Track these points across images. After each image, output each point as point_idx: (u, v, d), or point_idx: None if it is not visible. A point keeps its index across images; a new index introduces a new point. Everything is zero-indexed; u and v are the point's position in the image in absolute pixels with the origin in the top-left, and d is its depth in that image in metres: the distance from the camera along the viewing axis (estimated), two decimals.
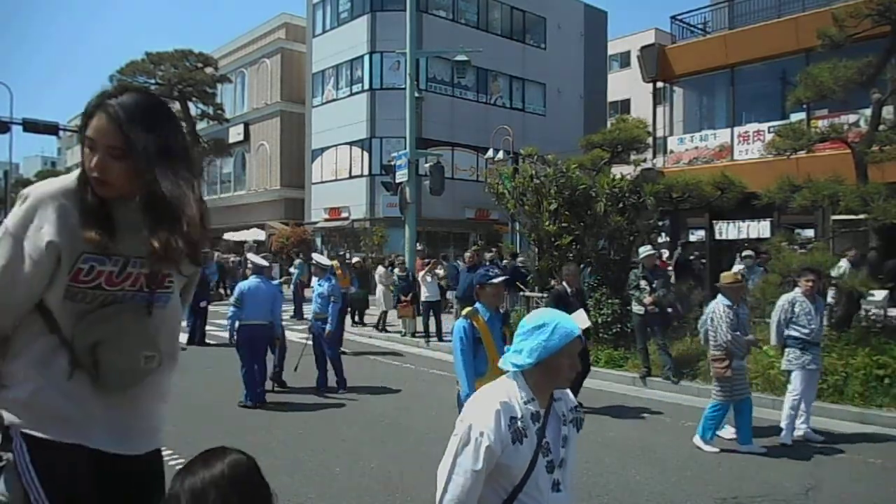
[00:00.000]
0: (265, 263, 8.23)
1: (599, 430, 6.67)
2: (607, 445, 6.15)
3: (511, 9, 29.31)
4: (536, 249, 11.30)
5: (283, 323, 8.96)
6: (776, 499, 4.86)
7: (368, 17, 26.05)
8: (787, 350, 6.41)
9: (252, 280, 7.84)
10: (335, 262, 11.77)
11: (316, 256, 9.97)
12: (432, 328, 12.66)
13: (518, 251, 15.59)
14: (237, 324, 7.62)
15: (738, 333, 6.01)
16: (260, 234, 29.66)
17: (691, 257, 14.85)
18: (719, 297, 6.19)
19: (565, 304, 7.45)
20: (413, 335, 13.16)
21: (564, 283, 7.71)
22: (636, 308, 8.80)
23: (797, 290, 6.51)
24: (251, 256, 8.53)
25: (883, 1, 9.39)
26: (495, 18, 29.04)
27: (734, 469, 5.49)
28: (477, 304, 4.30)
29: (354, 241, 24.83)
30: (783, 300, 6.48)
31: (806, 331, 6.26)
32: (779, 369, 7.82)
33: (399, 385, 8.93)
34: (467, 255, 13.28)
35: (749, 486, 5.08)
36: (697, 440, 6.02)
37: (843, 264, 9.81)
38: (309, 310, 9.68)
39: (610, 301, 10.14)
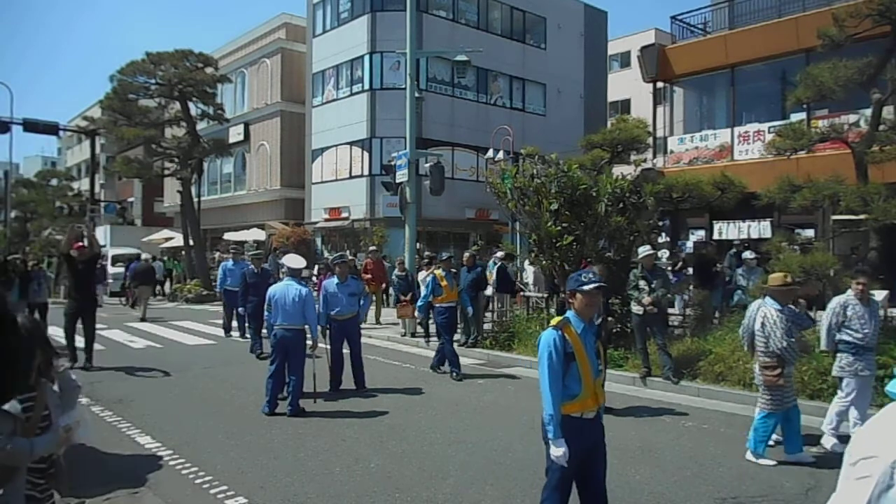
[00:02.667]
0: (300, 266, 7.82)
1: None
2: (607, 445, 6.14)
3: (511, 9, 29.31)
4: (536, 249, 11.29)
5: None
6: (776, 499, 4.86)
7: (368, 17, 26.04)
8: (838, 355, 6.16)
9: (282, 283, 7.55)
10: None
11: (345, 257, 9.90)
12: (432, 329, 12.65)
13: (518, 251, 15.60)
14: (273, 328, 7.38)
15: (793, 340, 5.70)
16: (260, 234, 29.66)
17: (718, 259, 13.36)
18: (767, 300, 5.88)
19: None
20: (412, 335, 13.16)
21: None
22: (635, 308, 8.80)
23: (849, 292, 6.23)
24: (286, 259, 8.06)
25: (883, 1, 9.40)
26: (495, 18, 29.03)
27: (734, 469, 5.49)
28: (568, 314, 3.76)
29: (354, 240, 24.83)
30: (835, 303, 6.23)
31: (859, 335, 6.01)
32: None
33: (399, 385, 8.93)
34: (466, 255, 13.31)
35: (749, 486, 5.08)
36: (750, 456, 5.72)
37: None
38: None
39: (610, 301, 10.13)
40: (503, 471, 5.38)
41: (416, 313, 10.91)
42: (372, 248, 16.86)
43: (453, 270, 10.27)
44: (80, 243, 9.79)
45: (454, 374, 9.41)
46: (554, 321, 3.75)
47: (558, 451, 3.46)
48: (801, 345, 6.05)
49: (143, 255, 21.27)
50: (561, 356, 3.56)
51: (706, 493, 4.94)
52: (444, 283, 9.73)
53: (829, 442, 6.03)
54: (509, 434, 6.49)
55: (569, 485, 3.64)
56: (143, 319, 16.54)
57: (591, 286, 3.71)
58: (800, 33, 15.28)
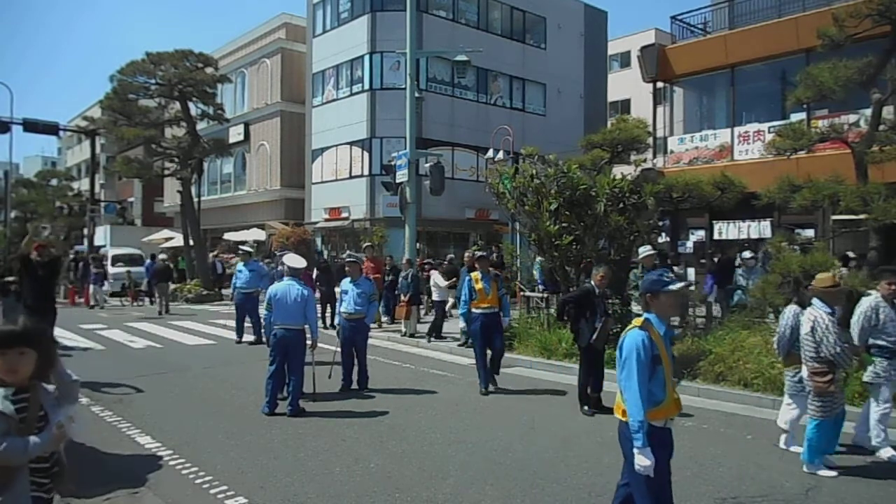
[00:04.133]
0: (300, 266, 7.77)
1: (599, 430, 6.67)
2: (607, 445, 6.14)
3: (511, 9, 29.32)
4: (536, 249, 11.30)
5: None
6: (776, 499, 4.86)
7: (368, 17, 26.05)
8: (874, 360, 5.81)
9: (283, 283, 7.50)
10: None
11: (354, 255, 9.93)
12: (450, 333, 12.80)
13: (518, 251, 15.59)
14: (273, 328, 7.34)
15: (846, 345, 5.44)
16: (260, 234, 29.67)
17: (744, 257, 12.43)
18: (816, 302, 5.54)
19: (589, 303, 7.42)
20: (412, 335, 13.16)
21: (593, 282, 7.55)
22: (636, 308, 8.80)
23: (876, 294, 5.89)
24: (286, 259, 8.00)
25: (883, 1, 9.40)
26: (495, 18, 29.04)
27: (734, 469, 5.49)
28: (648, 315, 3.52)
29: (354, 240, 24.83)
30: (866, 305, 5.86)
31: (893, 339, 5.68)
32: (779, 370, 7.83)
33: (399, 385, 8.93)
34: (466, 255, 13.33)
35: (749, 486, 5.08)
36: (807, 469, 5.39)
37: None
38: None
39: (610, 301, 10.14)
40: (503, 471, 5.38)
41: (461, 322, 9.09)
42: (367, 244, 16.68)
43: (494, 271, 8.92)
44: (42, 243, 9.06)
45: (481, 388, 8.42)
46: (637, 321, 3.52)
47: (646, 460, 3.26)
48: (853, 349, 5.70)
49: (160, 256, 22.47)
50: (649, 359, 3.35)
51: (706, 493, 4.94)
52: (478, 285, 8.50)
53: (886, 453, 5.69)
54: (509, 434, 6.49)
55: (660, 494, 3.40)
56: (160, 314, 17.86)
57: (679, 285, 3.53)
58: (800, 33, 15.28)
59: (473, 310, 8.50)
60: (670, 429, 3.48)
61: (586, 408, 7.43)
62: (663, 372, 3.39)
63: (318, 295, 12.78)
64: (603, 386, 7.55)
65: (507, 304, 8.88)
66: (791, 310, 5.94)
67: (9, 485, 2.37)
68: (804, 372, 5.59)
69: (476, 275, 8.60)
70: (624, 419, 3.44)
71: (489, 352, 8.59)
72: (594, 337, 7.32)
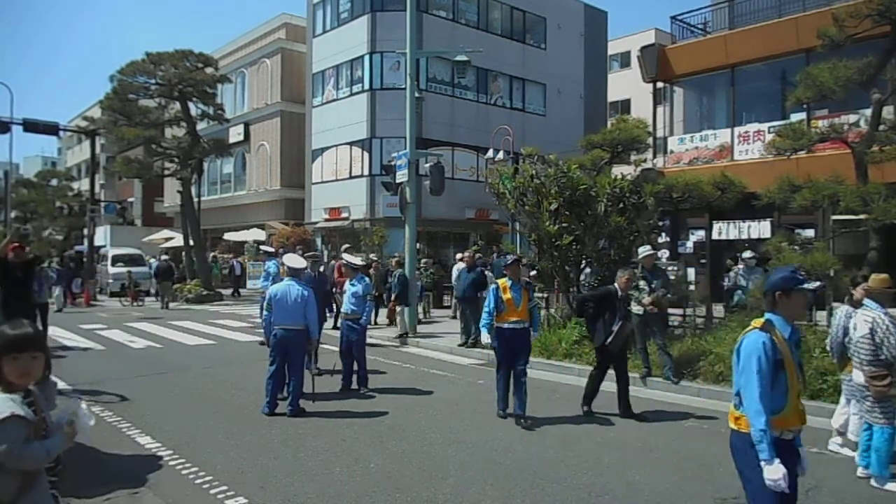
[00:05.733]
0: (301, 266, 7.75)
1: (599, 430, 6.68)
2: (607, 445, 6.15)
3: (511, 9, 29.31)
4: (536, 249, 11.30)
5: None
6: None
7: (368, 17, 26.05)
8: None
9: (283, 283, 7.47)
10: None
11: (347, 257, 9.81)
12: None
13: (518, 251, 15.60)
14: (273, 328, 7.30)
15: None
16: (260, 234, 29.67)
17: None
18: (869, 303, 5.33)
19: (610, 304, 7.26)
20: (407, 335, 13.09)
21: (616, 285, 7.42)
22: (636, 308, 8.79)
23: None
24: (286, 258, 7.98)
25: (883, 1, 9.40)
26: (495, 18, 29.04)
27: (734, 469, 5.47)
28: (772, 316, 3.18)
29: (355, 241, 24.84)
30: None
31: None
32: None
33: (399, 385, 8.93)
34: (466, 254, 13.31)
35: None
36: (875, 483, 5.11)
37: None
38: None
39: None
40: (503, 471, 5.38)
41: (484, 338, 7.40)
42: (346, 246, 16.33)
43: (525, 280, 7.58)
44: (16, 244, 8.61)
45: (498, 410, 7.22)
46: (757, 322, 3.19)
47: (777, 473, 2.93)
48: None
49: (163, 256, 24.01)
50: (771, 363, 3.03)
51: (706, 493, 4.94)
52: (506, 294, 7.06)
53: None
54: (509, 434, 6.49)
55: None
56: (164, 307, 19.98)
57: (815, 284, 3.20)
58: (800, 33, 15.28)
59: (499, 324, 7.09)
60: (792, 440, 3.15)
61: (586, 408, 7.34)
62: (786, 379, 3.07)
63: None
64: (629, 391, 7.41)
65: (537, 318, 7.67)
66: (844, 310, 5.71)
67: (34, 486, 2.40)
68: (858, 377, 5.31)
69: (504, 282, 7.19)
70: (737, 428, 3.16)
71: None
72: (609, 340, 7.18)
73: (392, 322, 14.21)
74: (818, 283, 3.21)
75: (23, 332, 2.44)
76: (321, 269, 11.53)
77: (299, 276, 7.61)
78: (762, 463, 2.96)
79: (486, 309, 7.21)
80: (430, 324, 15.62)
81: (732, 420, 3.20)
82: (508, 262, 7.51)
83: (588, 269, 11.27)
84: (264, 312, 7.61)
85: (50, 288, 15.44)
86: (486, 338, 7.27)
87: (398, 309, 13.37)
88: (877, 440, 5.12)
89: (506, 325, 7.09)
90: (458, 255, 18.35)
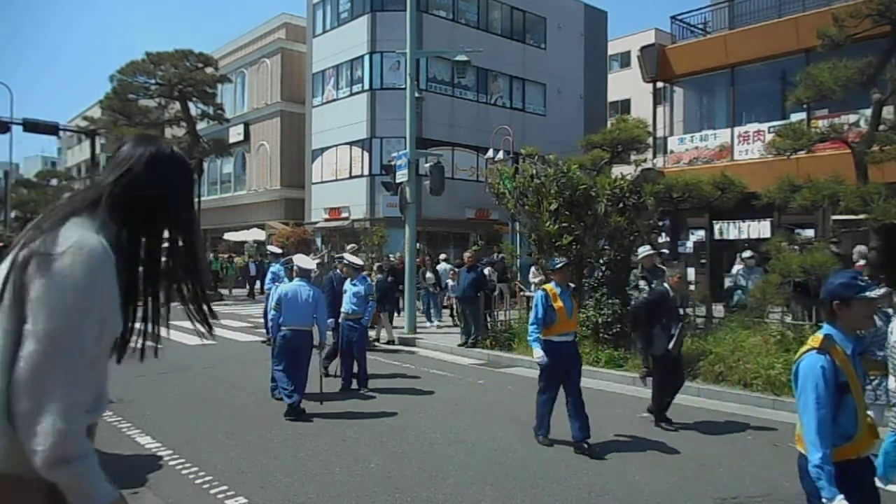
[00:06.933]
0: (310, 267, 7.73)
1: (599, 430, 6.67)
2: (607, 445, 6.15)
3: (511, 9, 29.32)
4: (536, 249, 11.29)
5: None
6: (776, 499, 4.86)
7: (368, 17, 26.05)
8: None
9: (293, 284, 7.46)
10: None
11: (348, 257, 9.81)
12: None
13: (518, 251, 15.60)
14: (280, 329, 7.29)
15: None
16: (260, 234, 29.67)
17: None
18: None
19: (665, 307, 6.79)
20: (392, 343, 12.91)
21: (667, 286, 6.94)
22: None
23: None
24: (296, 259, 7.93)
25: (883, 1, 9.40)
26: (495, 18, 29.05)
27: (734, 469, 5.49)
28: (830, 330, 2.81)
29: (354, 241, 24.83)
30: None
31: None
32: (779, 370, 7.84)
33: (399, 385, 8.93)
34: (466, 255, 13.30)
35: (749, 486, 5.08)
36: (879, 483, 4.71)
37: None
38: None
39: (610, 301, 10.15)
40: (503, 471, 5.38)
41: (535, 355, 6.24)
42: (351, 246, 16.24)
43: (573, 286, 6.72)
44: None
45: (540, 436, 6.23)
46: (814, 341, 2.81)
47: None
48: None
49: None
50: (832, 388, 2.69)
51: (706, 493, 4.94)
52: (557, 303, 6.17)
53: None
54: (509, 434, 6.49)
55: None
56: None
57: (880, 291, 2.84)
58: (800, 33, 15.28)
59: (547, 336, 6.18)
60: (869, 458, 2.89)
61: (664, 424, 6.79)
62: (853, 401, 2.73)
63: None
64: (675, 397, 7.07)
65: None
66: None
67: None
68: (892, 383, 5.05)
69: (552, 288, 6.28)
70: (802, 450, 2.88)
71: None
72: (671, 344, 6.75)
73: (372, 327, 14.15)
74: (884, 290, 2.82)
75: None
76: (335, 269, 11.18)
77: (308, 278, 7.61)
78: (824, 500, 2.65)
79: (532, 321, 6.26)
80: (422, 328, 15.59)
81: (800, 444, 2.90)
82: (558, 265, 6.44)
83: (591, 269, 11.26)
84: (272, 312, 7.61)
85: None
86: (538, 354, 6.16)
87: (382, 316, 12.91)
88: (888, 443, 4.95)
89: (556, 338, 6.17)
90: (443, 256, 18.33)
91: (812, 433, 2.69)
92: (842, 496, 2.61)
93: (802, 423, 2.77)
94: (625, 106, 34.64)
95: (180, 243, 1.64)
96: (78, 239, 1.41)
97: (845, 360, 2.74)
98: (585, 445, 5.88)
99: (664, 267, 8.05)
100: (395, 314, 15.67)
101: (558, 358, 6.16)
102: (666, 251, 14.26)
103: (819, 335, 2.81)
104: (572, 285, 6.49)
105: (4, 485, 1.42)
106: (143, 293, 1.64)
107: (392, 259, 17.44)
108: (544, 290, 6.35)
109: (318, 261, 12.41)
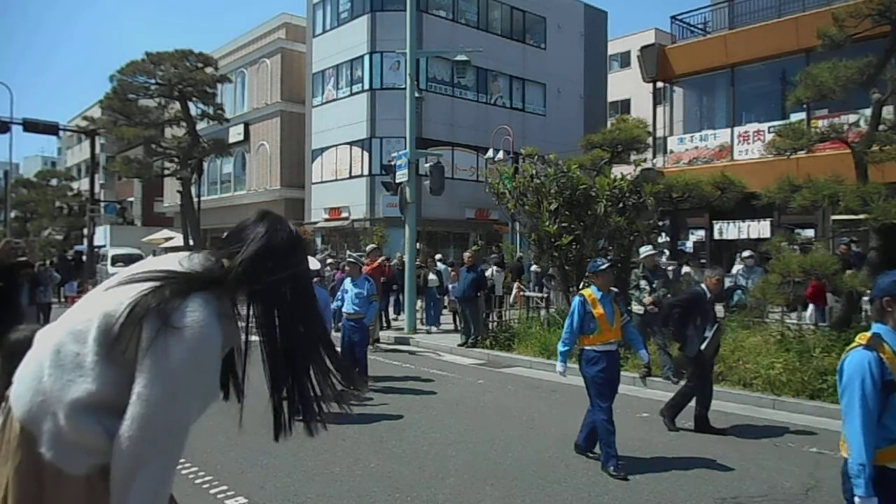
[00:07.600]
0: (317, 267, 7.73)
1: None
2: None
3: (511, 9, 29.31)
4: (536, 249, 11.30)
5: None
6: (776, 499, 4.86)
7: (368, 17, 26.04)
8: None
9: None
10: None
11: (354, 255, 9.88)
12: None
13: (518, 251, 15.60)
14: None
15: None
16: None
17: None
18: None
19: (701, 310, 6.60)
20: (376, 342, 12.80)
21: (704, 286, 6.75)
22: (636, 308, 8.80)
23: None
24: None
25: (883, 1, 9.39)
26: (495, 18, 29.04)
27: (734, 469, 5.49)
28: (879, 329, 2.72)
29: (354, 240, 24.83)
30: None
31: None
32: (779, 370, 7.84)
33: (399, 385, 8.93)
34: (466, 254, 13.30)
35: (749, 486, 5.08)
36: None
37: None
38: None
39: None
40: (503, 471, 5.38)
41: (558, 365, 5.77)
42: (372, 246, 16.30)
43: (615, 290, 5.85)
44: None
45: (612, 468, 5.28)
46: (862, 338, 2.73)
47: None
48: None
49: None
50: (879, 386, 2.59)
51: (706, 493, 4.94)
52: (598, 310, 5.54)
53: None
54: (509, 434, 6.49)
55: None
56: None
57: None
58: (800, 33, 15.29)
59: (590, 347, 5.56)
60: None
61: (672, 425, 6.67)
62: None
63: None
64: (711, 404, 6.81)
65: (635, 335, 6.14)
66: None
67: None
68: None
69: (591, 293, 5.65)
70: (846, 456, 2.77)
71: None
72: (704, 346, 6.55)
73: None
74: None
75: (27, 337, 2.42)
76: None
77: (315, 279, 7.61)
78: (857, 499, 2.61)
79: (566, 330, 5.64)
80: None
81: (842, 446, 2.78)
82: (601, 266, 5.67)
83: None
84: None
85: (54, 288, 15.46)
86: (560, 368, 5.71)
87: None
88: None
89: (600, 348, 5.54)
90: (438, 256, 18.20)
91: (856, 431, 2.61)
92: (875, 499, 2.55)
93: (846, 422, 2.68)
94: (625, 106, 34.63)
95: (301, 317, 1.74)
96: (201, 318, 1.50)
97: (893, 358, 2.65)
98: (617, 467, 5.31)
99: (664, 267, 8.08)
100: (394, 314, 15.68)
101: (610, 369, 5.55)
102: (666, 251, 14.28)
103: (867, 334, 2.74)
104: (615, 289, 5.83)
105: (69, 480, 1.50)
106: (288, 366, 1.80)
107: (393, 260, 17.38)
108: (582, 295, 5.69)
109: (330, 260, 12.41)
